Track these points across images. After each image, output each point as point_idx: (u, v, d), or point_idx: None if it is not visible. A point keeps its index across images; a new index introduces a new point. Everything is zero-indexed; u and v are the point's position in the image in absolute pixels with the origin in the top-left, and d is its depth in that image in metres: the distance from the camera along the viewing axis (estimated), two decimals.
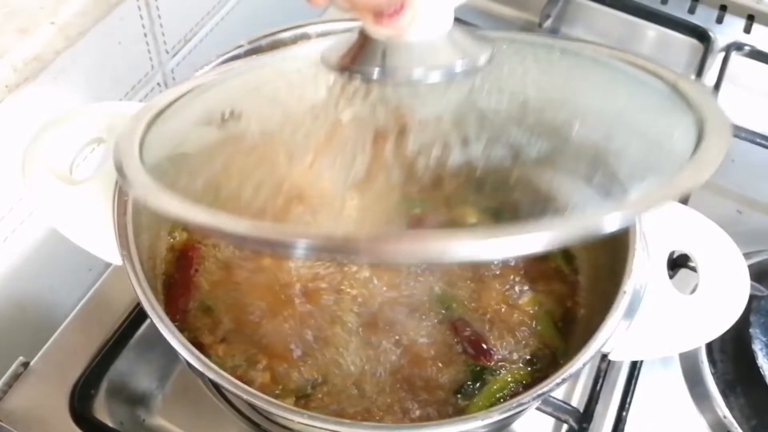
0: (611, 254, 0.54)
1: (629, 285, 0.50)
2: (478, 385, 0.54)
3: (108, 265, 0.61)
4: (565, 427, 0.62)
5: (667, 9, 0.97)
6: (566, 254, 0.61)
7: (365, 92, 0.41)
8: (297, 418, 0.43)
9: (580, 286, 0.60)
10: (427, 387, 0.54)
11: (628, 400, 0.63)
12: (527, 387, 0.53)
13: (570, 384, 0.67)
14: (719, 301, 0.52)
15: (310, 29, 0.63)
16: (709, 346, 0.69)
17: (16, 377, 0.60)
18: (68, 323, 0.63)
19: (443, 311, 0.57)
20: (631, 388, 0.64)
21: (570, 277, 0.60)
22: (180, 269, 0.59)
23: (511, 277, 0.59)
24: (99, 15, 0.63)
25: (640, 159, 0.40)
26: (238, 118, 0.44)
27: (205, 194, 0.39)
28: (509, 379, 0.55)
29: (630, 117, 0.43)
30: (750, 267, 0.54)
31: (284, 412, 0.44)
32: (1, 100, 0.57)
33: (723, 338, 0.53)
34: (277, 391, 0.52)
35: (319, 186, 0.41)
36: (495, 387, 0.54)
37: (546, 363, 0.56)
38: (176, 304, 0.57)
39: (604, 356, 0.51)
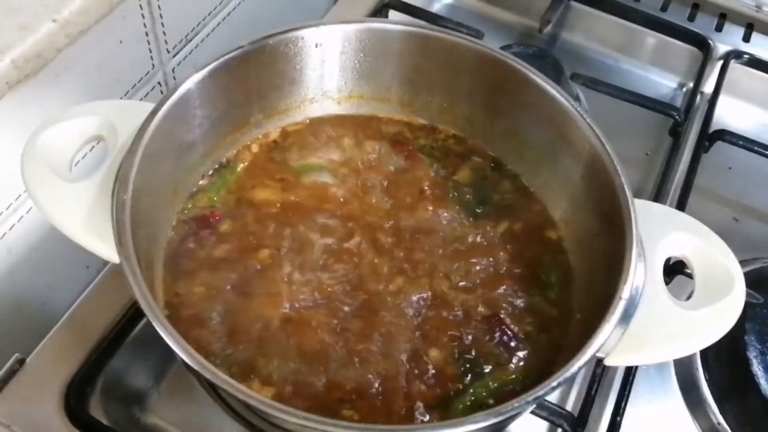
0: (608, 259, 0.54)
1: (625, 291, 0.50)
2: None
3: (105, 262, 0.61)
4: (559, 431, 0.63)
5: (667, 16, 0.98)
6: (564, 284, 0.61)
7: None
8: (292, 419, 0.43)
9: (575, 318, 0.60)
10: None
11: (623, 405, 0.64)
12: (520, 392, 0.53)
13: (565, 388, 0.67)
14: (715, 308, 0.52)
15: (310, 31, 0.63)
16: (704, 353, 0.69)
17: (11, 374, 0.60)
18: (65, 321, 0.63)
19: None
20: (626, 393, 0.64)
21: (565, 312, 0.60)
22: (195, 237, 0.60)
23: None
24: (101, 13, 0.63)
25: None
26: None
27: None
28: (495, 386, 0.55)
29: None
30: (746, 274, 0.54)
31: (279, 412, 0.44)
32: (2, 97, 0.57)
33: (718, 345, 0.53)
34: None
35: None
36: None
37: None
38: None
39: (599, 361, 0.51)
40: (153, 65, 0.75)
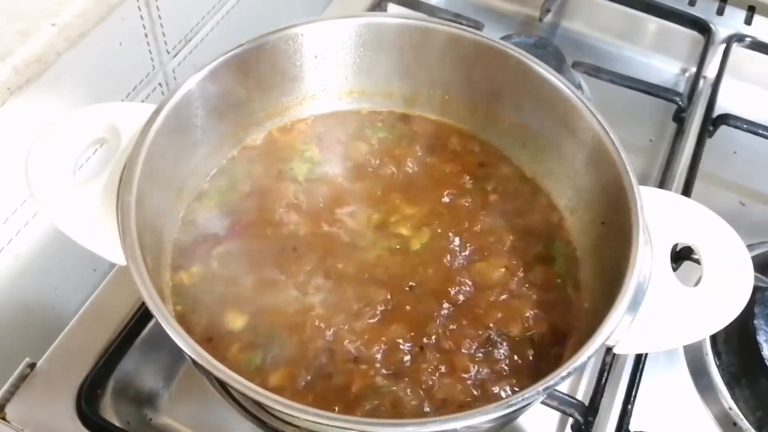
0: (615, 248, 0.54)
1: (633, 278, 0.50)
2: None
3: (113, 265, 0.61)
4: (570, 420, 0.63)
5: (668, 1, 0.97)
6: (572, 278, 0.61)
7: None
8: (303, 415, 0.44)
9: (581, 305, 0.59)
10: None
11: (633, 392, 0.64)
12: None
13: (575, 378, 0.67)
14: (723, 293, 0.52)
15: (309, 27, 0.63)
16: (714, 339, 0.69)
17: (22, 378, 0.60)
18: (74, 324, 0.64)
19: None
20: (636, 380, 0.64)
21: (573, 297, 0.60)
22: None
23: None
24: (99, 16, 0.63)
25: None
26: None
27: None
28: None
29: None
30: (754, 258, 0.54)
31: (290, 409, 0.44)
32: (3, 102, 0.57)
33: (727, 330, 0.53)
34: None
35: None
36: None
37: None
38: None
39: (609, 349, 0.51)
40: (153, 66, 0.75)
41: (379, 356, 0.55)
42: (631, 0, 0.96)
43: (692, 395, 0.67)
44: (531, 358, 0.56)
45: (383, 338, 0.56)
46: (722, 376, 0.67)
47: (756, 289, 0.63)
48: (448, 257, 0.61)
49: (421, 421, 0.45)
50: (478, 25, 0.87)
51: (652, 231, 0.53)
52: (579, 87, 0.87)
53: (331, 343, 0.55)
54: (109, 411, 0.60)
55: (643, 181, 0.75)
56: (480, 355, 0.56)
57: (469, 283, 0.59)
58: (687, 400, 0.67)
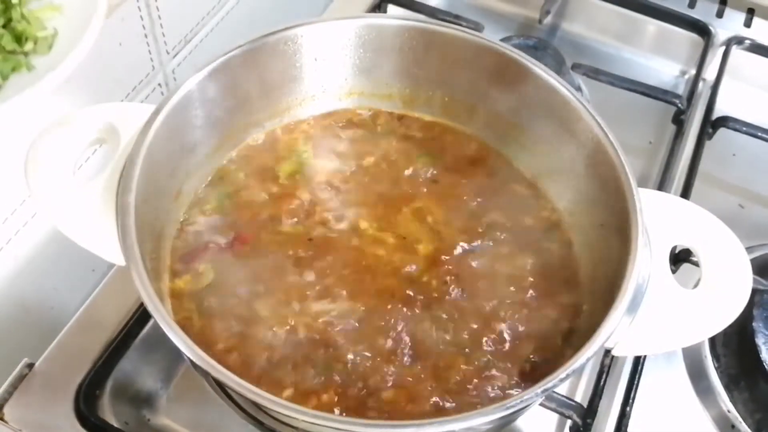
0: (614, 250, 0.54)
1: (632, 280, 0.50)
2: None
3: (111, 265, 0.62)
4: (569, 422, 0.63)
5: (667, 4, 0.97)
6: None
7: None
8: (301, 416, 0.44)
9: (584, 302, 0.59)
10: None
11: (632, 395, 0.64)
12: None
13: (574, 380, 0.67)
14: (722, 295, 0.52)
15: (309, 28, 0.63)
16: (712, 341, 0.69)
17: (21, 379, 0.60)
18: (72, 324, 0.64)
19: None
20: (635, 383, 0.64)
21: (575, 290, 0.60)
22: None
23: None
24: None
25: None
26: None
27: None
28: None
29: None
30: (752, 261, 0.54)
31: (289, 410, 0.44)
32: (3, 102, 0.57)
33: (726, 332, 0.53)
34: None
35: None
36: None
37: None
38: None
39: (608, 352, 0.51)
40: (153, 67, 0.75)
41: (381, 353, 0.55)
42: (631, 2, 0.96)
43: (691, 397, 0.67)
44: (528, 359, 0.56)
45: (385, 338, 0.56)
46: (721, 379, 0.67)
47: (755, 292, 0.63)
48: (447, 257, 0.61)
49: (420, 423, 0.45)
50: (477, 27, 0.87)
51: (651, 233, 0.54)
52: (578, 89, 0.87)
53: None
54: (107, 412, 0.60)
55: (643, 183, 0.75)
56: (476, 355, 0.56)
57: (468, 283, 0.59)
58: (685, 403, 0.67)
